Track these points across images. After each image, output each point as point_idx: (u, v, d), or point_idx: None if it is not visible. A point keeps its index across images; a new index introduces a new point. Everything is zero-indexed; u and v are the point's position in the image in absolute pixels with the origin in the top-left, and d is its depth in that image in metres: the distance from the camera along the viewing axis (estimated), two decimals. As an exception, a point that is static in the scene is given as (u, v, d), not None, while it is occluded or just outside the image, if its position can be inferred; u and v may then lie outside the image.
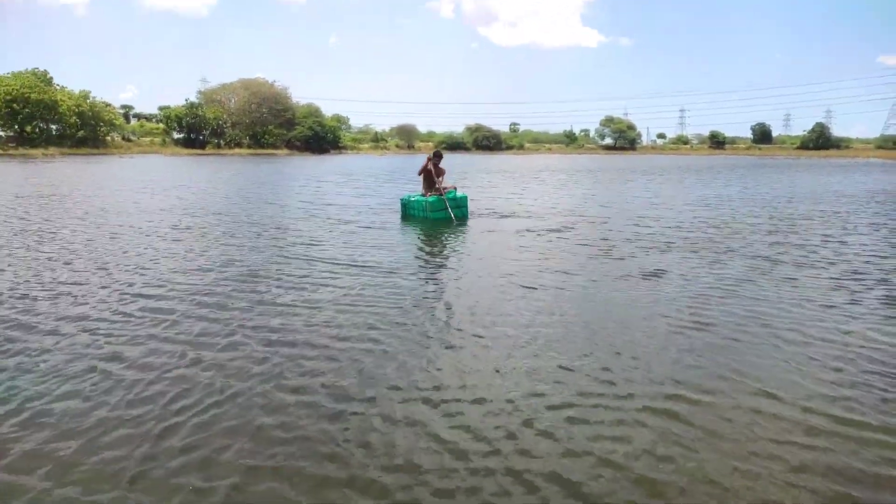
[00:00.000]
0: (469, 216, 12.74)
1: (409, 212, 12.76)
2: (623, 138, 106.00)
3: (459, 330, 5.17)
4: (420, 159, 12.84)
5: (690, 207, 15.50)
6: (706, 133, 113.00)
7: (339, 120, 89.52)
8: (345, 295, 6.22)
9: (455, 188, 13.01)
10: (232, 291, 6.34)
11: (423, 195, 12.73)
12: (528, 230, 11.09)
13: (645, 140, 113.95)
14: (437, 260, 8.54)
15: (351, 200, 16.55)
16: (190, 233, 10.36)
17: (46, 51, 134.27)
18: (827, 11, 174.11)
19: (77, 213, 12.78)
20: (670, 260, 8.35)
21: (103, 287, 6.46)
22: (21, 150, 51.54)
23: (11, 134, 55.71)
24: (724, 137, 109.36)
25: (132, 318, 5.36)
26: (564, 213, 14.07)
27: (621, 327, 5.29)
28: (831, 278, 7.28)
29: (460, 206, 12.54)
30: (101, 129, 61.15)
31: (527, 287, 6.65)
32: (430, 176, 12.71)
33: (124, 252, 8.48)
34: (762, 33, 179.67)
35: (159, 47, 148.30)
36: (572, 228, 11.46)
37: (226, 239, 9.74)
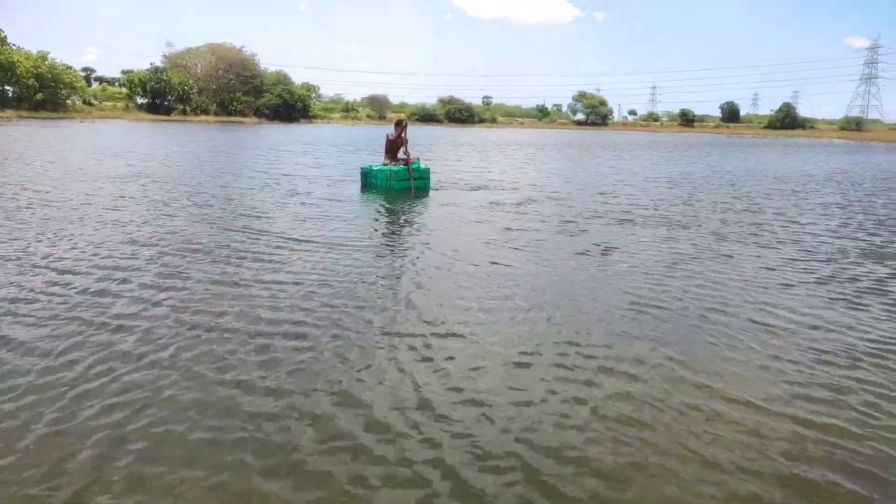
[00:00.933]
0: (432, 188, 12.62)
1: (370, 181, 12.53)
2: (595, 114, 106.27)
3: (414, 310, 5.04)
4: (389, 129, 12.59)
5: (654, 184, 15.56)
6: (676, 111, 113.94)
7: (309, 88, 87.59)
8: (299, 272, 6.02)
9: (418, 159, 12.84)
10: (173, 267, 6.10)
11: (385, 164, 12.55)
12: (491, 203, 10.99)
13: (616, 116, 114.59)
14: (396, 234, 8.39)
15: (310, 171, 16.20)
16: (133, 202, 9.95)
17: (2, 8, 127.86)
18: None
19: (20, 178, 12.24)
20: (626, 236, 8.34)
21: (31, 260, 6.18)
22: (-25, 112, 49.55)
23: (-36, 95, 53.44)
24: (694, 115, 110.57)
25: (47, 297, 5.11)
26: (529, 187, 14.01)
27: (574, 308, 5.24)
28: (781, 257, 7.36)
29: (423, 177, 12.44)
30: (62, 91, 58.91)
31: (485, 264, 6.57)
32: (394, 145, 12.52)
33: (56, 222, 8.12)
34: (733, 12, 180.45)
35: (123, 8, 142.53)
36: (535, 202, 11.40)
37: (172, 210, 9.38)
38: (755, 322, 4.94)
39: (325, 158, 20.59)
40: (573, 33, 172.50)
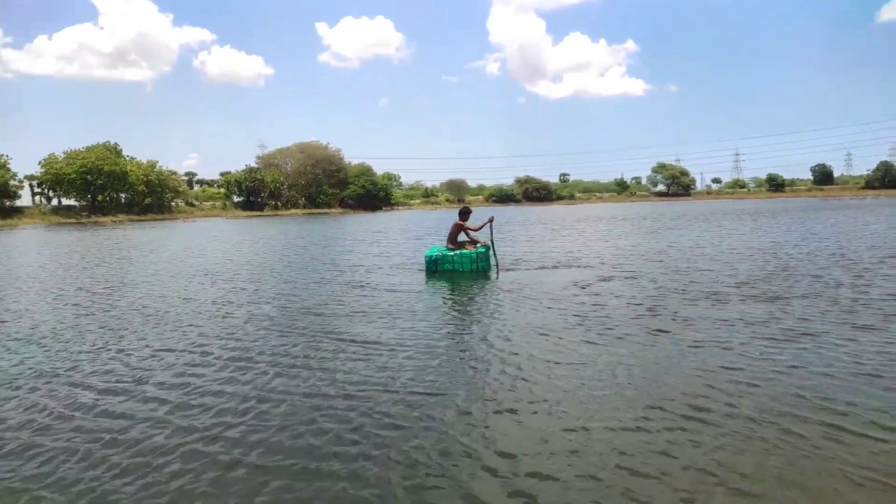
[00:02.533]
0: (503, 268, 12.56)
1: (439, 267, 12.55)
2: (677, 184, 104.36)
3: (509, 391, 4.85)
4: (473, 211, 12.93)
5: (741, 256, 14.75)
6: (763, 176, 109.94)
7: (391, 177, 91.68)
8: (381, 367, 6.01)
9: (483, 244, 12.89)
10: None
11: (449, 249, 12.68)
12: (565, 283, 10.64)
13: (699, 185, 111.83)
14: (465, 320, 8.22)
15: (375, 259, 16.25)
16: (192, 301, 10.42)
17: (118, 125, 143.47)
18: (881, 49, 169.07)
19: (121, 276, 13.16)
20: (709, 314, 7.81)
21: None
22: (93, 218, 54.84)
23: (84, 203, 59.33)
24: (783, 180, 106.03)
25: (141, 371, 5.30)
26: (604, 264, 13.54)
27: (674, 392, 4.86)
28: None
29: (483, 259, 12.47)
30: (167, 195, 64.53)
31: (559, 349, 6.26)
32: (456, 232, 12.85)
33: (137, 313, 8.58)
34: (815, 74, 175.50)
35: (220, 117, 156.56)
36: (611, 280, 10.96)
37: (231, 309, 9.75)
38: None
39: (392, 246, 20.78)
40: (647, 106, 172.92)
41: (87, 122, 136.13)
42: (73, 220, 54.14)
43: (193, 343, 6.90)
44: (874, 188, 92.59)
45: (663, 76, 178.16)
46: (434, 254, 12.59)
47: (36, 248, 25.10)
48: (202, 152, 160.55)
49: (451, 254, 12.48)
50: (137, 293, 10.89)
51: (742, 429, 4.05)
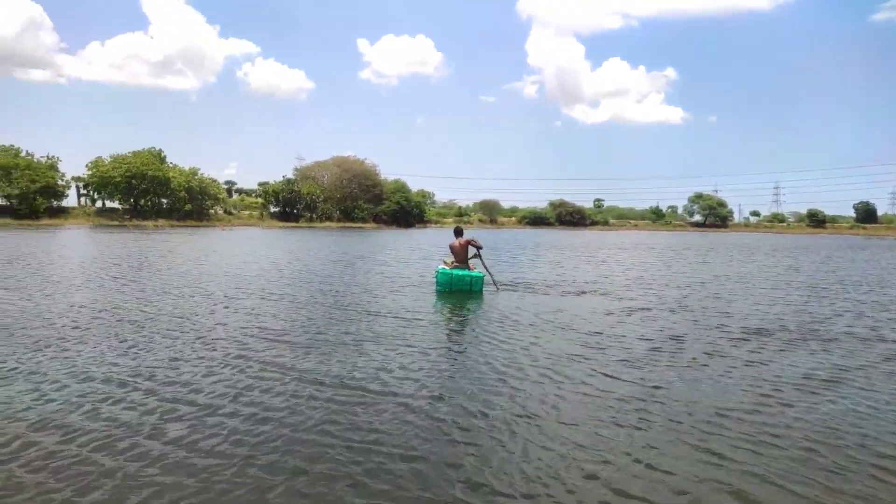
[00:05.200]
0: (523, 291, 12.90)
1: (453, 287, 12.70)
2: (714, 215, 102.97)
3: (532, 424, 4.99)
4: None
5: (781, 291, 14.61)
6: (804, 211, 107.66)
7: (425, 195, 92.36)
8: (395, 377, 6.19)
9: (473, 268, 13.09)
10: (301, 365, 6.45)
11: (457, 268, 12.90)
12: (607, 311, 10.74)
13: (737, 217, 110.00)
14: (487, 342, 8.30)
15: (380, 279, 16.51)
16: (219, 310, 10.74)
17: (162, 131, 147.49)
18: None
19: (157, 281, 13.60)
20: (740, 350, 7.82)
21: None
22: (134, 221, 56.32)
23: (126, 206, 60.99)
24: (825, 216, 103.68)
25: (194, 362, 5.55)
26: (631, 292, 13.56)
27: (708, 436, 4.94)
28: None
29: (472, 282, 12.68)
30: (207, 203, 66.00)
31: (579, 376, 6.38)
32: (464, 250, 13.03)
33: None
34: (861, 108, 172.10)
35: (261, 127, 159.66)
36: (648, 309, 11.01)
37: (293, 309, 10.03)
38: None
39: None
40: (685, 134, 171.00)
41: (133, 127, 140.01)
42: (116, 223, 55.69)
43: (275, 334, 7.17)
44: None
45: (703, 105, 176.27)
46: (447, 273, 12.77)
47: (99, 246, 25.92)
48: (241, 161, 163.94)
49: (466, 274, 12.63)
50: (164, 304, 11.27)
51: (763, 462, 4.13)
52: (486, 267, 13.26)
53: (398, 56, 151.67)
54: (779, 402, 5.51)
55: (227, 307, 10.32)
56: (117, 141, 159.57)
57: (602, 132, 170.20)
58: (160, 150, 65.45)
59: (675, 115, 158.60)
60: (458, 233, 13.39)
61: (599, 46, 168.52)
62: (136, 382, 5.69)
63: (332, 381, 5.89)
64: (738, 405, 5.38)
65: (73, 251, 23.49)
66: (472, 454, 4.23)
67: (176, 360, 6.59)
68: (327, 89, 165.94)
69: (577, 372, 6.40)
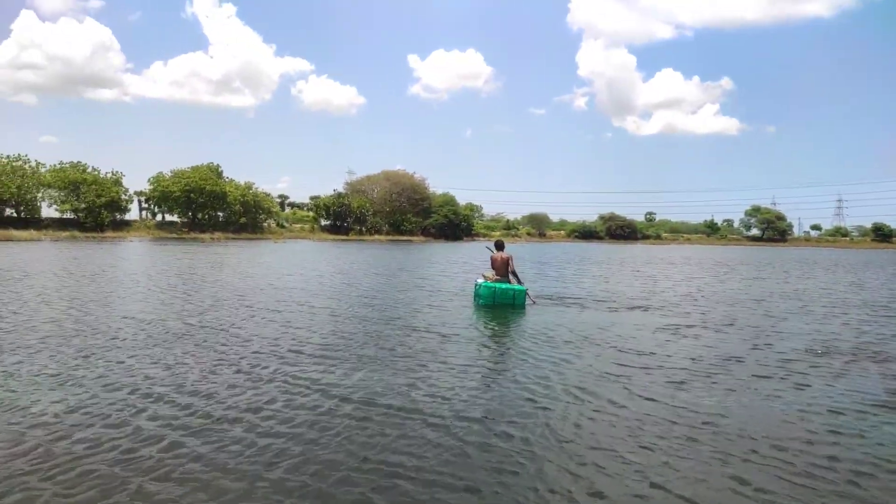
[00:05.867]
0: (568, 305, 12.55)
1: (497, 300, 12.55)
2: (772, 229, 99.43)
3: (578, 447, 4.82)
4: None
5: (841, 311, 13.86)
6: (869, 225, 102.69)
7: (473, 208, 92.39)
8: (447, 394, 6.09)
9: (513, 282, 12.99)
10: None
11: (498, 281, 12.81)
12: (649, 328, 10.40)
13: (797, 231, 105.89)
14: (532, 359, 8.11)
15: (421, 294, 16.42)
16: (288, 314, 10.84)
17: (220, 147, 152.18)
18: None
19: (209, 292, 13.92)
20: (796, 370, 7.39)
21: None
22: (192, 235, 58.30)
23: (185, 220, 63.26)
24: (891, 230, 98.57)
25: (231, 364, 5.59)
26: (687, 307, 13.10)
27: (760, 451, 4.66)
28: None
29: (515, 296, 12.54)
30: (260, 216, 67.86)
31: (627, 397, 6.14)
32: (505, 265, 12.98)
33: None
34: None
35: (313, 142, 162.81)
36: (692, 326, 10.59)
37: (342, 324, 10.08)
38: None
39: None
40: (743, 146, 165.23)
41: (193, 144, 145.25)
42: (175, 236, 57.81)
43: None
44: None
45: (760, 116, 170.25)
46: (490, 286, 12.64)
47: (158, 258, 26.92)
48: (294, 175, 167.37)
49: (510, 287, 12.53)
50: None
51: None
52: (519, 280, 13.18)
53: (448, 70, 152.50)
54: (828, 429, 5.17)
55: (264, 318, 10.49)
56: (178, 156, 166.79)
57: (654, 144, 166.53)
58: (217, 164, 67.74)
59: (732, 125, 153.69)
60: (500, 246, 13.29)
61: (652, 57, 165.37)
62: (165, 394, 5.78)
63: (357, 396, 5.85)
64: (783, 433, 5.07)
65: (133, 263, 24.41)
66: (490, 478, 4.10)
67: (207, 372, 6.68)
68: (378, 105, 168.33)
69: (612, 393, 6.15)
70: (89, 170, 59.09)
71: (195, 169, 64.54)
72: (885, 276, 26.01)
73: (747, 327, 10.76)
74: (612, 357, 7.94)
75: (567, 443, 4.76)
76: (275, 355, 7.57)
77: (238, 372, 6.71)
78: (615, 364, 7.51)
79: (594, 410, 5.57)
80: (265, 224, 69.01)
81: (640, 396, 6.05)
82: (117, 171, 60.76)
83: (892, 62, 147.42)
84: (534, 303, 12.95)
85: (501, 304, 12.41)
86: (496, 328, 10.43)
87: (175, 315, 10.63)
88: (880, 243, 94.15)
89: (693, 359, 7.90)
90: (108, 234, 54.16)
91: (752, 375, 7.06)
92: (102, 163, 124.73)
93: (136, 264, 23.57)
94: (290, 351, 7.85)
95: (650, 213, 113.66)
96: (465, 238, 77.68)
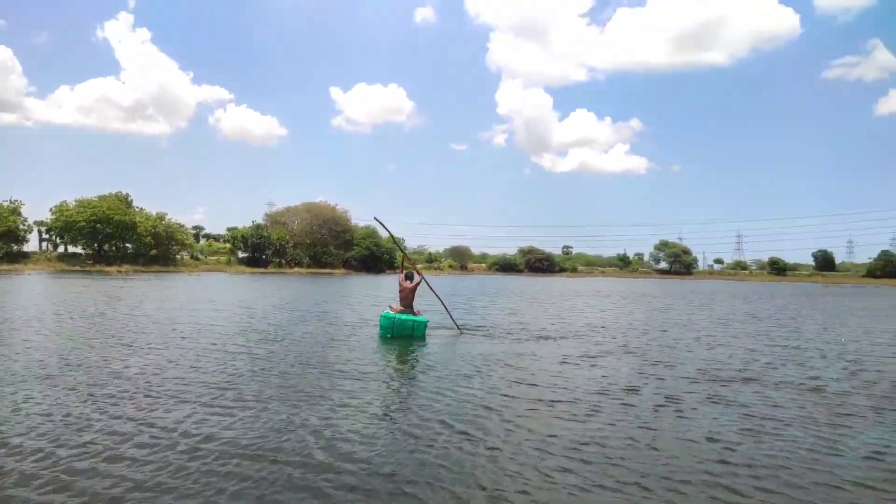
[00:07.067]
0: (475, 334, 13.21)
1: (395, 332, 12.82)
2: (679, 262, 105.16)
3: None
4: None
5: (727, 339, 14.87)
6: (765, 259, 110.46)
7: (397, 240, 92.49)
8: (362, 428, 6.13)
9: (419, 312, 13.40)
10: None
11: (402, 312, 13.05)
12: (550, 357, 10.82)
13: (701, 265, 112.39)
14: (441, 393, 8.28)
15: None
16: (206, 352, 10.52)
17: (131, 176, 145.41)
18: (882, 139, 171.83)
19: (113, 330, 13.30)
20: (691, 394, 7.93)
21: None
22: (97, 267, 55.32)
23: (90, 251, 60.04)
24: (785, 264, 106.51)
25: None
26: (591, 337, 13.70)
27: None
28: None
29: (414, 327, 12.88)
30: (173, 248, 65.32)
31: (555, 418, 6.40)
32: (411, 294, 13.32)
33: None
34: (817, 159, 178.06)
35: (231, 173, 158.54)
36: (592, 357, 11.11)
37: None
38: None
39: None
40: (650, 184, 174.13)
41: (101, 172, 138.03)
42: (78, 268, 54.61)
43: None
44: (876, 277, 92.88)
45: (667, 155, 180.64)
46: (390, 317, 12.82)
47: (50, 294, 25.29)
48: (211, 206, 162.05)
49: (409, 319, 12.79)
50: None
51: None
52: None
53: (371, 104, 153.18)
54: (705, 454, 5.59)
55: (146, 356, 10.05)
56: (85, 185, 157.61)
57: (570, 181, 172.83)
58: (127, 194, 65.14)
59: (641, 164, 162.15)
60: (409, 277, 13.56)
61: (567, 97, 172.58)
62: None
63: (251, 451, 5.47)
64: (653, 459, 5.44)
65: (22, 299, 22.88)
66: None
67: (68, 415, 6.34)
68: (300, 136, 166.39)
69: (492, 424, 6.39)
70: (-16, 198, 55.37)
71: (102, 198, 61.74)
72: (774, 308, 27.99)
73: (641, 353, 11.40)
74: (503, 387, 8.22)
75: (451, 480, 4.91)
76: (148, 401, 7.12)
77: (105, 417, 6.31)
78: (503, 395, 7.77)
79: (467, 442, 5.77)
80: (178, 256, 66.47)
81: (521, 426, 6.32)
82: (16, 200, 57.31)
83: (782, 106, 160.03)
84: (460, 332, 13.80)
85: (401, 336, 12.63)
86: (395, 362, 10.53)
87: (54, 355, 10.08)
88: (776, 276, 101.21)
89: (584, 388, 8.28)
90: (3, 266, 50.43)
91: (651, 399, 7.50)
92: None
93: (24, 300, 22.09)
94: (168, 397, 7.29)
95: (567, 247, 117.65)
96: (387, 270, 77.54)
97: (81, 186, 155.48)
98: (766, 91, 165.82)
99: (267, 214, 79.41)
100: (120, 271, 53.88)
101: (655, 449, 5.75)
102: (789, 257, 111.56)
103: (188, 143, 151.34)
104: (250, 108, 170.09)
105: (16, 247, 55.96)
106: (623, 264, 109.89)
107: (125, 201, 63.72)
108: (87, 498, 4.36)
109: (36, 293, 25.72)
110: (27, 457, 5.11)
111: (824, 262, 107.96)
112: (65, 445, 5.41)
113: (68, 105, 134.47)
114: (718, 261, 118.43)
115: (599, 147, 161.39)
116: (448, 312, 14.57)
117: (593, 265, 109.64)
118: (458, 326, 14.10)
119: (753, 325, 18.69)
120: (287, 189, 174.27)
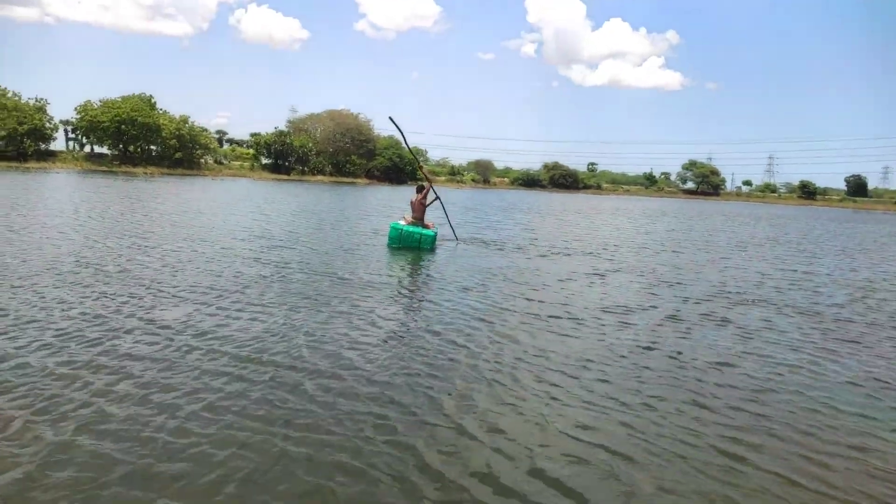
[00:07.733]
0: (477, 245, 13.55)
1: (402, 243, 13.08)
2: (706, 183, 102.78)
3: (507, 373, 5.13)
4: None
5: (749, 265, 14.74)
6: (796, 182, 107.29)
7: (418, 152, 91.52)
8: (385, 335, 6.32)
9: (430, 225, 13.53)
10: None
11: (413, 224, 13.31)
12: (552, 273, 10.87)
13: (729, 186, 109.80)
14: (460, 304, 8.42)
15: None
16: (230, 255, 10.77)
17: (153, 77, 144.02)
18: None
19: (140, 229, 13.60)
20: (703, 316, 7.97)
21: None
22: (124, 168, 55.92)
23: (116, 153, 60.49)
24: (816, 188, 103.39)
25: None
26: (605, 254, 13.69)
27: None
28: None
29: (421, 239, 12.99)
30: (197, 151, 65.41)
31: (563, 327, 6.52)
32: (422, 206, 13.49)
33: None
34: (858, 82, 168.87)
35: (253, 77, 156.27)
36: (613, 272, 11.14)
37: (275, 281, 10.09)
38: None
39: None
40: (683, 101, 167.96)
41: (123, 72, 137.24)
42: (105, 168, 55.27)
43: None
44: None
45: (703, 72, 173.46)
46: (398, 228, 13.09)
47: (84, 193, 25.81)
48: (234, 111, 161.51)
49: (417, 231, 12.95)
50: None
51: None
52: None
53: (395, 8, 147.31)
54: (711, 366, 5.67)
55: (159, 257, 10.31)
56: (107, 85, 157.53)
57: (600, 95, 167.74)
58: (150, 95, 64.42)
59: (675, 80, 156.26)
60: (420, 190, 13.66)
61: (601, 5, 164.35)
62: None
63: (243, 351, 5.65)
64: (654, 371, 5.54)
65: (47, 196, 23.38)
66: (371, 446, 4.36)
67: (86, 316, 6.51)
68: (322, 40, 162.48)
69: (507, 331, 6.54)
70: (9, 94, 55.41)
71: (126, 99, 61.27)
72: (797, 232, 27.51)
73: (652, 275, 11.39)
74: (501, 301, 8.32)
75: (432, 386, 5.07)
76: (136, 294, 7.47)
77: (118, 322, 6.35)
78: (500, 308, 7.88)
79: (455, 351, 5.91)
80: (202, 160, 66.67)
81: (510, 338, 6.43)
82: (41, 98, 57.28)
83: (828, 28, 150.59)
84: (458, 242, 14.45)
85: (408, 246, 12.91)
86: (404, 273, 10.70)
87: (60, 249, 10.39)
88: (805, 200, 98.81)
89: (583, 304, 8.35)
90: (32, 164, 51.26)
91: (640, 321, 7.57)
92: (23, 88, 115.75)
93: (41, 196, 22.57)
94: (178, 299, 7.54)
95: (592, 164, 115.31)
96: (409, 182, 77.22)
97: (105, 86, 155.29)
98: (811, 9, 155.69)
99: (290, 121, 78.62)
100: (146, 172, 54.42)
101: (640, 366, 5.84)
102: (822, 182, 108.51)
103: (210, 45, 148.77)
104: (271, 9, 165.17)
105: (43, 145, 56.50)
106: (649, 183, 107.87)
107: (148, 103, 63.19)
108: (79, 384, 4.59)
109: (61, 192, 26.23)
110: (34, 351, 5.35)
111: (856, 188, 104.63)
112: (64, 337, 5.66)
113: (88, 1, 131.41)
114: (747, 182, 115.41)
115: (632, 60, 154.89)
116: (448, 221, 15.03)
117: (618, 183, 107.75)
118: (456, 236, 14.73)
119: (771, 250, 18.47)
120: (309, 95, 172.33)
